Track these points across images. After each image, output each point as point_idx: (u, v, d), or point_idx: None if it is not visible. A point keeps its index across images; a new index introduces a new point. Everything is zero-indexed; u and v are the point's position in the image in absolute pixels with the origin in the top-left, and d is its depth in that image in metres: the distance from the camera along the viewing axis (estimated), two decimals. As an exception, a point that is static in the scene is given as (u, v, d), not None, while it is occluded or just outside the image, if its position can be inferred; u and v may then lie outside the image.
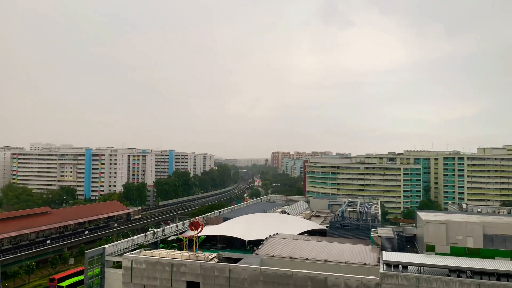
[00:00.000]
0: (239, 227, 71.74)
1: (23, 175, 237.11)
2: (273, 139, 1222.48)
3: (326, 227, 76.99)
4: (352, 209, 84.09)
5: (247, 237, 66.20)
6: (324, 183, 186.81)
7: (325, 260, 48.19)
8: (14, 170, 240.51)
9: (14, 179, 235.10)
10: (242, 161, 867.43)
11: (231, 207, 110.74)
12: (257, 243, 60.60)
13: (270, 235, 59.74)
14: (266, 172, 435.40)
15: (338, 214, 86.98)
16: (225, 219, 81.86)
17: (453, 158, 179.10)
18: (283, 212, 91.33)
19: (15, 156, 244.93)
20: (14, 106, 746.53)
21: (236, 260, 46.24)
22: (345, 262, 47.68)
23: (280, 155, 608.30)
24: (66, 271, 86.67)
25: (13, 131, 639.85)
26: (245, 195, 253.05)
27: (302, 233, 70.77)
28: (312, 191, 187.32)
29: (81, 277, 78.87)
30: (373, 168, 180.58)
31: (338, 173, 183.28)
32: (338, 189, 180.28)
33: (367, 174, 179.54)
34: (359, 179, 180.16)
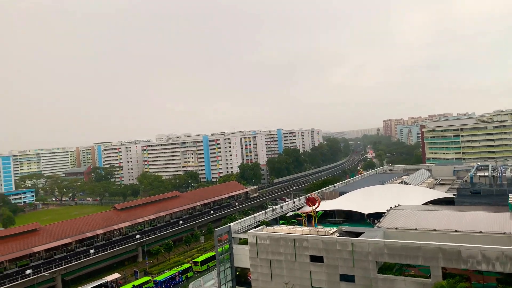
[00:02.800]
0: (357, 200, 70.25)
1: (153, 164, 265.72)
2: (383, 107, 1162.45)
3: (453, 195, 70.96)
4: (483, 174, 75.97)
5: (366, 210, 64.58)
6: (446, 148, 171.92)
7: (455, 231, 44.52)
8: (146, 160, 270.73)
9: (147, 168, 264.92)
10: (351, 133, 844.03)
11: (345, 180, 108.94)
12: (377, 216, 58.72)
13: (391, 207, 57.30)
14: (378, 142, 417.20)
15: (466, 180, 79.54)
16: (341, 193, 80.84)
17: None
18: (403, 182, 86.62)
19: (144, 148, 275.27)
20: (136, 104, 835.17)
21: (357, 234, 45.45)
22: (480, 232, 43.43)
23: (392, 122, 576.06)
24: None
25: (140, 126, 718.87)
26: (358, 168, 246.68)
27: (426, 203, 66.48)
28: (432, 158, 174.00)
29: (212, 253, 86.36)
30: (504, 126, 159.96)
31: (462, 135, 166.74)
32: (463, 153, 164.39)
33: (496, 133, 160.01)
34: (488, 140, 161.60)
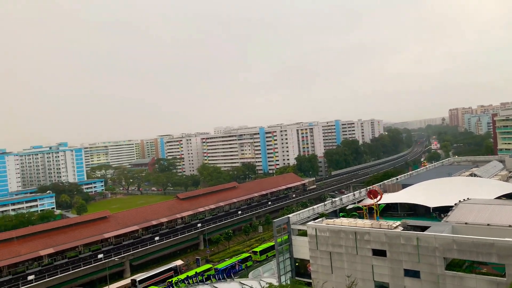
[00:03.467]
0: (421, 193, 67.13)
1: (212, 156, 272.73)
2: (449, 95, 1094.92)
3: (531, 189, 65.52)
4: None
5: (431, 204, 61.50)
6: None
7: (535, 227, 41.04)
8: (205, 152, 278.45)
9: (206, 159, 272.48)
10: (413, 123, 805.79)
11: (408, 173, 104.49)
12: (444, 210, 55.74)
13: (459, 201, 54.02)
14: (444, 133, 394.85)
15: (546, 173, 72.89)
16: (404, 186, 77.72)
17: None
18: (472, 174, 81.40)
19: (204, 140, 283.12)
20: (195, 97, 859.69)
21: (423, 228, 43.39)
22: None
23: (459, 111, 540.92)
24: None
25: (198, 119, 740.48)
26: (422, 160, 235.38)
27: (499, 197, 61.95)
28: (506, 149, 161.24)
29: (271, 243, 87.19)
30: None
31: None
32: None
33: None
34: None
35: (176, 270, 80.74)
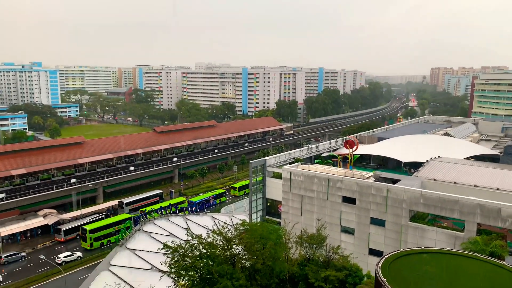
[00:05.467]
0: (395, 147, 68.89)
1: (192, 92, 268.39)
2: (433, 54, 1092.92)
3: (499, 152, 68.24)
4: (535, 134, 71.86)
5: (404, 159, 63.45)
6: (497, 103, 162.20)
7: (497, 189, 43.16)
8: (185, 87, 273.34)
9: (185, 95, 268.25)
10: (395, 78, 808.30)
11: (385, 127, 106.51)
12: (415, 165, 57.70)
13: (431, 158, 55.89)
14: (423, 91, 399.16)
15: (514, 139, 75.69)
16: (379, 139, 79.42)
17: None
18: (446, 134, 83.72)
19: (184, 74, 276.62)
20: (178, 30, 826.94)
21: (393, 181, 45.06)
22: (524, 193, 41.90)
23: (441, 71, 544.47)
24: None
25: (180, 52, 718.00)
26: (398, 115, 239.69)
27: (468, 158, 64.39)
28: (480, 112, 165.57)
29: (247, 182, 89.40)
30: None
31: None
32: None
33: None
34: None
35: (161, 196, 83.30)
